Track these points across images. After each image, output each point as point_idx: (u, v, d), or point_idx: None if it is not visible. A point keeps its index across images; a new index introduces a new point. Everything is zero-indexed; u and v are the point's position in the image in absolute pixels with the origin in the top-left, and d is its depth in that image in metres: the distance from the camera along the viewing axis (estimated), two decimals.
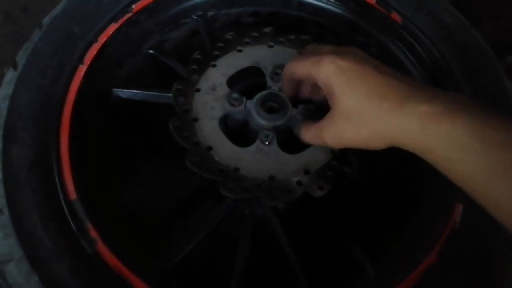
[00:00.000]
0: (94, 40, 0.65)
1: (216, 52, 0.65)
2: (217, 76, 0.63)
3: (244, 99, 0.61)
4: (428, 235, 0.56)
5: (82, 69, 0.62)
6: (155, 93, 0.67)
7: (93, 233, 0.51)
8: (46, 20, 0.65)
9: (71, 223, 0.51)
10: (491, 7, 1.04)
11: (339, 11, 0.76)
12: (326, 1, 0.77)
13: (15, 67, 0.61)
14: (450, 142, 0.39)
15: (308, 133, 0.55)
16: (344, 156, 0.59)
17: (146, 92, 0.67)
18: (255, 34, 0.67)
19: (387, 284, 0.53)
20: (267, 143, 0.59)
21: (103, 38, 0.65)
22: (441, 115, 0.40)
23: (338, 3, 0.76)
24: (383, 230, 0.62)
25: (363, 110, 0.45)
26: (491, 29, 0.97)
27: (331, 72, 0.47)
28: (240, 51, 0.66)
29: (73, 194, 0.53)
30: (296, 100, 0.61)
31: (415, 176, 0.63)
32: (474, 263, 0.53)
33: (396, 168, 0.66)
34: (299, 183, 0.57)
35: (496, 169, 0.36)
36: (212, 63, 0.64)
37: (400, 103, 0.43)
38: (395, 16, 0.73)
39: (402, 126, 0.43)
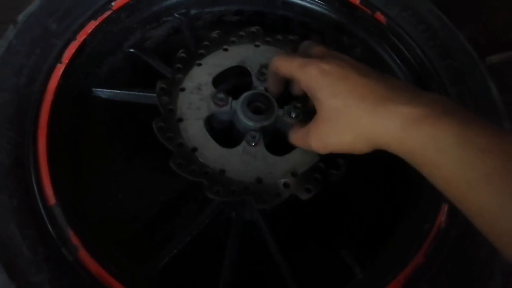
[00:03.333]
0: (73, 38, 0.62)
1: (201, 51, 0.64)
2: (202, 75, 0.62)
3: (230, 99, 0.60)
4: (415, 236, 0.56)
5: (60, 68, 0.60)
6: (137, 93, 0.65)
7: (74, 240, 0.49)
8: (21, 17, 0.62)
9: (51, 230, 0.49)
10: (469, 10, 1.06)
11: (324, 11, 0.76)
12: (311, 1, 0.76)
13: None
14: (432, 146, 0.39)
15: (295, 137, 0.55)
16: (331, 158, 0.58)
17: (128, 92, 0.65)
18: (242, 33, 0.66)
19: (376, 286, 0.53)
20: (253, 144, 0.58)
21: (82, 36, 0.63)
22: (423, 118, 0.39)
23: (323, 3, 0.76)
24: (371, 232, 0.61)
25: (345, 113, 0.45)
26: (469, 31, 0.98)
27: (313, 76, 0.47)
28: (226, 50, 0.65)
29: (52, 200, 0.51)
30: (283, 100, 0.60)
31: (402, 178, 0.63)
32: (461, 263, 0.53)
33: (383, 170, 0.66)
34: (286, 185, 0.56)
35: (478, 176, 0.36)
36: (197, 62, 0.63)
37: (380, 104, 0.42)
38: (380, 16, 0.73)
39: (383, 128, 0.42)
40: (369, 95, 0.44)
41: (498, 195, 0.35)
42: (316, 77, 0.47)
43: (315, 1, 0.76)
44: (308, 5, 0.76)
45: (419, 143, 0.40)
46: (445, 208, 0.56)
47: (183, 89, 0.61)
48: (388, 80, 0.46)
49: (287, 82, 0.59)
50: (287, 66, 0.51)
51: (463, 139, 0.37)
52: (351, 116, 0.45)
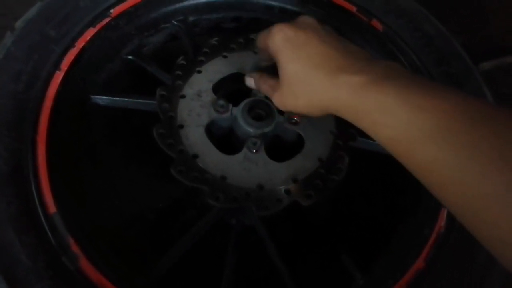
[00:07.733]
0: (71, 45, 0.62)
1: (201, 58, 0.64)
2: (202, 82, 0.62)
3: (231, 106, 0.60)
4: (415, 241, 0.56)
5: (59, 75, 0.59)
6: (136, 100, 0.64)
7: (75, 249, 0.48)
8: (19, 23, 0.61)
9: (51, 238, 0.48)
10: (462, 17, 1.07)
11: (321, 18, 0.76)
12: (307, 8, 0.77)
13: None
14: (376, 109, 0.41)
15: (263, 86, 0.56)
16: (332, 164, 0.59)
17: (126, 99, 0.65)
18: (241, 40, 0.66)
19: None
20: (254, 150, 0.58)
21: (80, 43, 0.63)
22: (369, 84, 0.42)
23: (319, 10, 0.76)
24: (371, 238, 0.61)
25: (301, 79, 0.48)
26: (462, 38, 1.00)
27: (277, 41, 0.49)
28: (225, 57, 0.65)
29: (52, 208, 0.50)
30: None
31: (401, 184, 0.63)
32: (461, 267, 0.54)
33: (382, 176, 0.66)
34: (287, 191, 0.56)
35: (418, 134, 0.38)
36: (197, 69, 0.63)
37: (333, 73, 0.45)
38: (376, 23, 0.74)
39: (333, 96, 0.45)
40: (324, 64, 0.46)
41: (436, 150, 0.37)
42: (280, 42, 0.49)
43: (312, 8, 0.77)
44: (305, 12, 0.77)
45: (365, 107, 0.42)
46: (444, 213, 0.57)
47: (183, 96, 0.61)
48: (346, 49, 0.48)
49: None
50: (261, 36, 0.54)
51: (402, 100, 0.39)
52: (306, 83, 0.47)
